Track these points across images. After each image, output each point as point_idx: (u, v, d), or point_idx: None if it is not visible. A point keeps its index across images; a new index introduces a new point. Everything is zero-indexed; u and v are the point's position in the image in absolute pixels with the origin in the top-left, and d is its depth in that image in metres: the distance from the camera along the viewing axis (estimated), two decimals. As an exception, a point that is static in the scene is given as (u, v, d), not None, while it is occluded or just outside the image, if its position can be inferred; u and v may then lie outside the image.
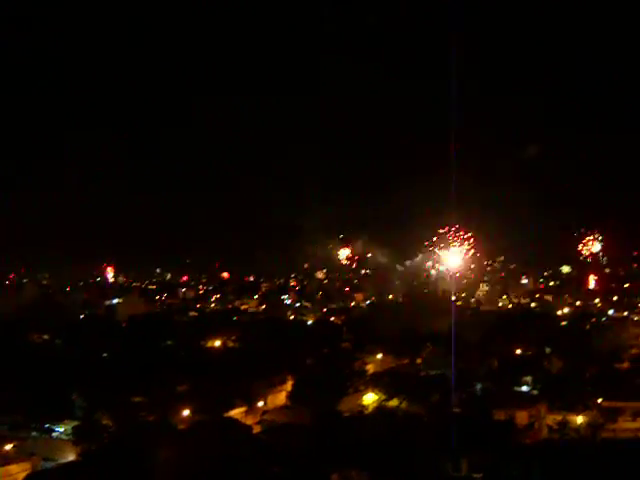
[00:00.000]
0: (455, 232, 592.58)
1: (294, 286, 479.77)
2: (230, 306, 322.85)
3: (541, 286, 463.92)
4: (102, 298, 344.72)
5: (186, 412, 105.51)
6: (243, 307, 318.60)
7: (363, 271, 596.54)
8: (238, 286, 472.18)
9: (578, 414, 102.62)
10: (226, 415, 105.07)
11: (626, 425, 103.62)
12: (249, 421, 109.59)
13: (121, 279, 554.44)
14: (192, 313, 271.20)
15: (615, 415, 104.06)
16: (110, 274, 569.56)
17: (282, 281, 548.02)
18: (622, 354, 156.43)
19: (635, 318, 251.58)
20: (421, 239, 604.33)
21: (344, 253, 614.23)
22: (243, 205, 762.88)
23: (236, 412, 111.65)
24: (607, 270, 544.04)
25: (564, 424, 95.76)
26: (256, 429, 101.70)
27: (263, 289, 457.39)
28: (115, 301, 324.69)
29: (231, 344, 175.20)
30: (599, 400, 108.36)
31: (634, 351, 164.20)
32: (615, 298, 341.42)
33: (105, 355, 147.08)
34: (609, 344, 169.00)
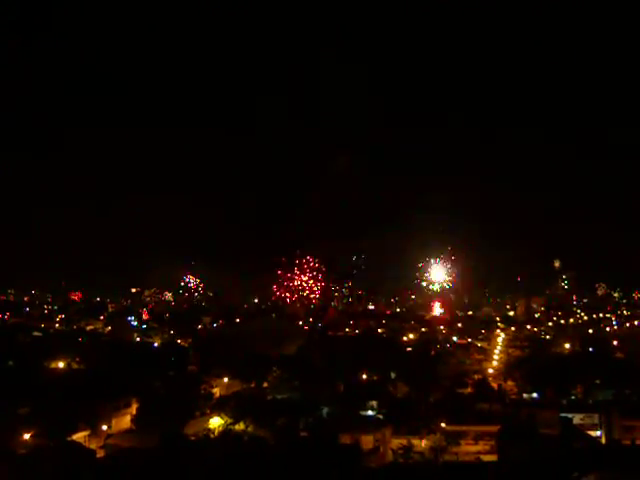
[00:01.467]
0: (301, 258, 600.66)
1: (141, 307, 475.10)
2: (75, 327, 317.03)
3: (388, 312, 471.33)
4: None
5: (27, 436, 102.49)
6: (89, 328, 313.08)
7: (210, 293, 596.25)
8: (84, 306, 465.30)
9: (422, 438, 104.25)
10: (69, 439, 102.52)
11: (468, 448, 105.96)
12: (93, 445, 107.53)
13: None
14: (36, 333, 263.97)
15: (458, 438, 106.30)
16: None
17: (129, 302, 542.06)
18: (465, 379, 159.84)
19: (478, 344, 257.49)
20: (268, 262, 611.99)
21: (192, 275, 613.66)
22: (91, 226, 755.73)
23: (79, 436, 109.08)
24: (452, 298, 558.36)
25: (408, 448, 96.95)
26: (100, 453, 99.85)
27: (110, 310, 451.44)
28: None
29: (75, 365, 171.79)
30: (443, 424, 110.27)
31: (477, 376, 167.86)
32: (459, 325, 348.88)
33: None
34: (453, 369, 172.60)
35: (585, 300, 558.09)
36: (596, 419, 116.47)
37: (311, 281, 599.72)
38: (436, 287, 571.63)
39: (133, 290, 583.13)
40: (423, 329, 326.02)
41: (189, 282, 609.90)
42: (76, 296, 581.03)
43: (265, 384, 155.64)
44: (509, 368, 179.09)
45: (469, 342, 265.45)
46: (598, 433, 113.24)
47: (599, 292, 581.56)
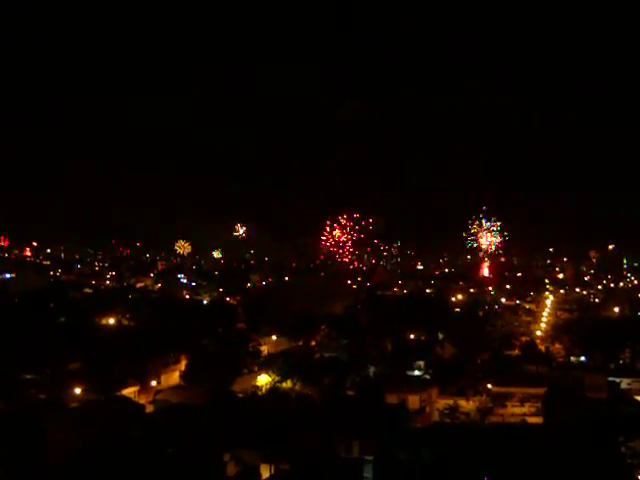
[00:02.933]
0: (350, 216, 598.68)
1: (191, 265, 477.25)
2: (125, 284, 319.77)
3: (436, 272, 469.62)
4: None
5: (78, 390, 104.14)
6: (139, 285, 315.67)
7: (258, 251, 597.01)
8: (134, 264, 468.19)
9: (468, 399, 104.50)
10: (119, 394, 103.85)
11: (514, 410, 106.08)
12: (142, 400, 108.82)
13: (16, 253, 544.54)
14: (87, 290, 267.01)
15: (504, 400, 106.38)
16: (2, 248, 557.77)
17: (179, 259, 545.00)
18: (513, 341, 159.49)
19: (526, 306, 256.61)
20: (313, 222, 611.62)
21: (240, 233, 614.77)
22: (140, 185, 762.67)
23: (129, 391, 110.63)
24: (502, 259, 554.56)
25: (454, 408, 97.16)
26: (149, 408, 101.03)
27: (160, 267, 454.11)
28: (8, 276, 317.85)
29: (125, 322, 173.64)
30: (489, 385, 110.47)
31: (524, 338, 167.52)
32: (508, 286, 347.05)
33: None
34: (500, 331, 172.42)
35: (635, 264, 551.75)
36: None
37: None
38: (485, 248, 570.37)
39: (179, 249, 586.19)
40: (471, 290, 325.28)
41: (239, 238, 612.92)
42: (124, 251, 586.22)
43: (313, 342, 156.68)
44: (557, 331, 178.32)
45: (517, 304, 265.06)
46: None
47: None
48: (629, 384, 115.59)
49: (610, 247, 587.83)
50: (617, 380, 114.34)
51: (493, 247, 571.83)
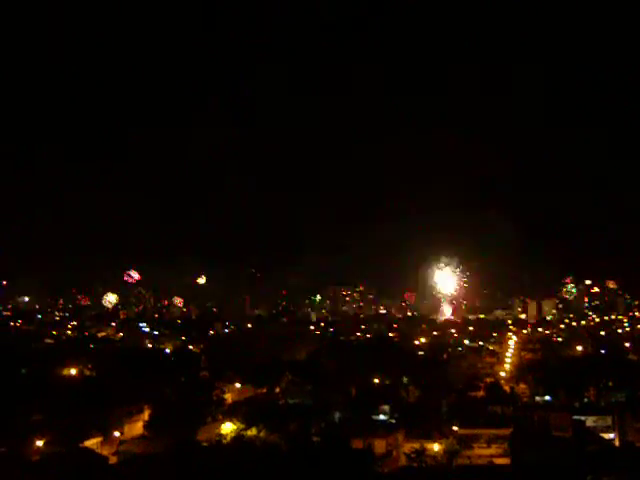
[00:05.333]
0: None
1: (153, 314, 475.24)
2: (87, 333, 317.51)
3: (399, 315, 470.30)
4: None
5: (40, 443, 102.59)
6: (100, 334, 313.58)
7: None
8: (96, 313, 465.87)
9: (435, 442, 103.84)
10: (81, 446, 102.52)
11: (481, 452, 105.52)
12: (105, 452, 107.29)
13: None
14: (48, 340, 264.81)
15: (470, 442, 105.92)
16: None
17: (141, 309, 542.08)
18: (477, 383, 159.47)
19: (490, 347, 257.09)
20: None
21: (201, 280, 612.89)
22: (100, 229, 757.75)
23: (92, 442, 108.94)
24: (463, 301, 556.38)
25: (421, 452, 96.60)
26: (112, 460, 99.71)
27: (121, 316, 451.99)
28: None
29: (87, 372, 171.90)
30: (455, 428, 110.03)
31: (489, 380, 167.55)
32: (471, 328, 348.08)
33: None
34: (465, 373, 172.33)
35: (596, 302, 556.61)
36: (609, 421, 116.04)
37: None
38: (447, 291, 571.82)
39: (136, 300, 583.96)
40: (435, 333, 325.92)
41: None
42: (84, 300, 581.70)
43: (277, 389, 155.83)
44: (521, 371, 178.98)
45: (481, 345, 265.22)
46: (611, 435, 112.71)
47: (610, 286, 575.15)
48: (594, 422, 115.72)
49: (570, 285, 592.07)
50: (582, 418, 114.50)
51: (455, 290, 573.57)
